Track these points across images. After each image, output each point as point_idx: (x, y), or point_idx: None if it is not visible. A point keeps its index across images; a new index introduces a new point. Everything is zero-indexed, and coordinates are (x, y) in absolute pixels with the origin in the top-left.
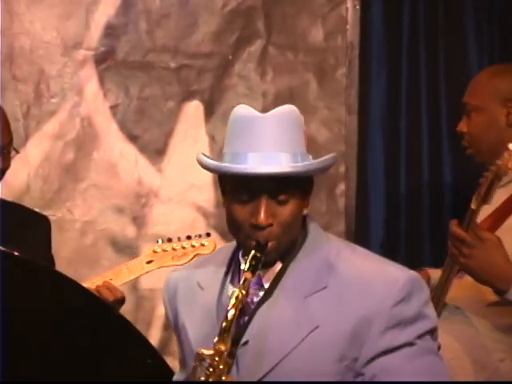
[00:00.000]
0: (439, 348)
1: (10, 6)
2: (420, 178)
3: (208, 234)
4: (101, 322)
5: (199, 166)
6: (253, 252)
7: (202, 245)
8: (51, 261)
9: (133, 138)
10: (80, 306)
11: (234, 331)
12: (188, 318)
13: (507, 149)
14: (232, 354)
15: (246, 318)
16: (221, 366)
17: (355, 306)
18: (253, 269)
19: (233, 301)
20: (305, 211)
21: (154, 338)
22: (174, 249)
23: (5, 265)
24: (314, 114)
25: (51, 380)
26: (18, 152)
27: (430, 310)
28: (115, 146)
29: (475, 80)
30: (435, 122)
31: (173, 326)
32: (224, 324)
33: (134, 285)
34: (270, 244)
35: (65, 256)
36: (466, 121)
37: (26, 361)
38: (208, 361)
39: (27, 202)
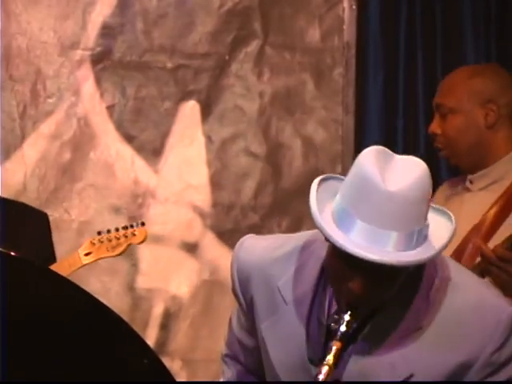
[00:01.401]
0: None
1: (7, 6)
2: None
3: (142, 224)
4: (97, 322)
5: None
6: (347, 318)
7: (133, 234)
8: (52, 257)
9: (129, 138)
10: (76, 306)
11: (324, 358)
12: (270, 333)
13: None
14: None
15: (343, 351)
16: None
17: (452, 351)
18: (343, 338)
19: (324, 370)
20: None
21: (151, 338)
22: (109, 240)
23: (1, 265)
24: (310, 114)
25: (49, 380)
26: None
27: None
28: (112, 146)
29: (450, 80)
30: None
31: (242, 304)
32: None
33: (131, 285)
34: (362, 309)
35: (61, 256)
36: (439, 122)
37: (24, 361)
38: None
39: (23, 202)
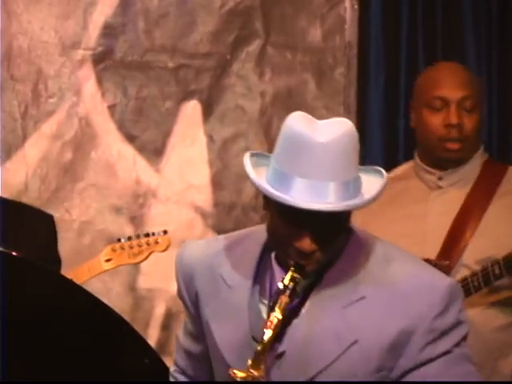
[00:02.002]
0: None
1: (8, 5)
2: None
3: (165, 232)
4: (98, 322)
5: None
6: (291, 274)
7: (156, 242)
8: (57, 259)
9: (131, 138)
10: (77, 306)
11: (266, 335)
12: (213, 316)
13: None
14: (271, 361)
15: (283, 325)
16: None
17: (394, 319)
18: (291, 292)
19: (271, 328)
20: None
21: (152, 338)
22: (130, 247)
23: (3, 265)
24: (312, 113)
25: (50, 380)
26: None
27: (465, 315)
28: (113, 146)
29: (465, 75)
30: None
31: (188, 305)
32: (259, 348)
33: (132, 285)
34: (309, 267)
35: (62, 256)
36: (461, 114)
37: (25, 361)
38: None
39: (25, 202)
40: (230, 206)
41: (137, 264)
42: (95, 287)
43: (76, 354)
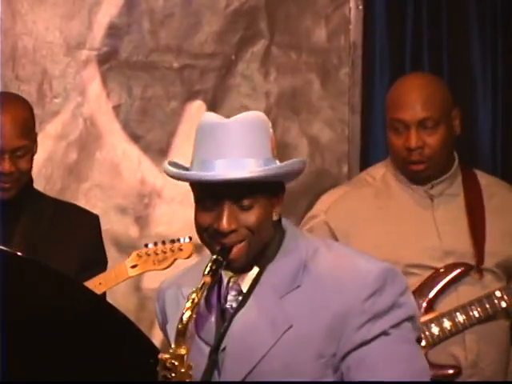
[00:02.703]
0: (420, 339)
1: (13, 6)
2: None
3: (190, 238)
4: (103, 321)
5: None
6: (214, 256)
7: (180, 249)
8: (102, 261)
9: (136, 138)
10: (82, 306)
11: (215, 338)
12: (171, 324)
13: None
14: (214, 361)
15: (225, 325)
16: (182, 370)
17: (328, 303)
18: (212, 273)
19: (188, 304)
20: (275, 216)
21: (157, 338)
22: (156, 253)
23: (5, 264)
24: (317, 113)
25: (52, 380)
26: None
27: (407, 299)
28: (118, 146)
29: (424, 92)
30: None
31: (164, 335)
32: (179, 326)
33: (138, 285)
34: (235, 249)
35: None
36: (421, 135)
37: (27, 361)
38: (168, 365)
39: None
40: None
41: (161, 270)
42: None
43: (80, 354)
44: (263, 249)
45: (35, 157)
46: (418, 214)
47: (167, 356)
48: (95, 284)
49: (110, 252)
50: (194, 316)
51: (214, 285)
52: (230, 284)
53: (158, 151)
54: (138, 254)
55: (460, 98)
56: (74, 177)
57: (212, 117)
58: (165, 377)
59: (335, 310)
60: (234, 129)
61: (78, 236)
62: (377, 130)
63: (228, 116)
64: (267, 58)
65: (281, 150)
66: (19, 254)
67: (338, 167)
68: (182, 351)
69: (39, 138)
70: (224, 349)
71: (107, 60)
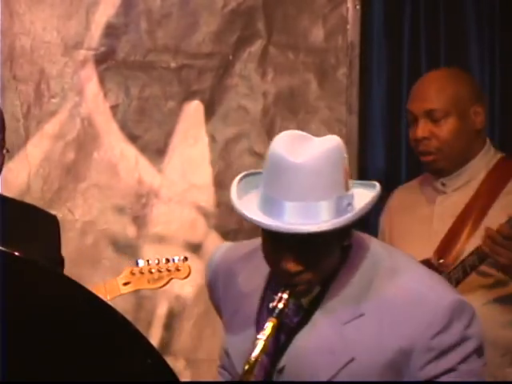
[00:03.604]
0: (485, 363)
1: (10, 6)
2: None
3: (185, 259)
4: (101, 321)
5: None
6: (280, 295)
7: (177, 269)
8: (61, 261)
9: (133, 138)
10: (80, 305)
11: (273, 351)
12: (228, 323)
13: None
14: (269, 377)
15: (284, 339)
16: None
17: (392, 338)
18: (278, 314)
19: (257, 350)
20: (345, 243)
21: (155, 337)
22: (150, 272)
23: (4, 265)
24: (314, 113)
25: (51, 380)
26: (8, 151)
27: (473, 330)
28: (116, 146)
29: (436, 85)
30: None
31: (216, 308)
32: (246, 367)
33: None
34: (300, 287)
35: (65, 256)
36: (428, 126)
37: (26, 361)
38: None
39: (28, 202)
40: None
41: (156, 289)
42: None
43: (77, 354)
44: (326, 275)
45: (31, 156)
46: (421, 210)
47: None
48: None
49: (108, 252)
50: (260, 360)
51: (267, 287)
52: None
53: (156, 151)
54: (131, 272)
55: None
56: (72, 177)
57: (284, 146)
58: None
59: (400, 344)
60: (307, 170)
61: (39, 237)
62: (374, 130)
63: (226, 115)
64: (265, 57)
65: None
66: (17, 254)
67: None
68: None
69: (37, 138)
70: (283, 368)
71: (105, 60)
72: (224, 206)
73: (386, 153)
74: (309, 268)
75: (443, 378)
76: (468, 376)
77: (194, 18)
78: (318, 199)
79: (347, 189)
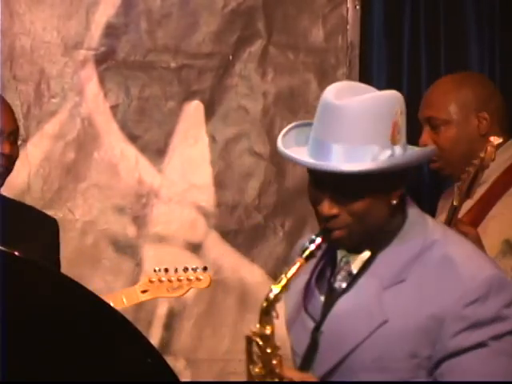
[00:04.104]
0: None
1: (10, 6)
2: (420, 178)
3: (205, 268)
4: (101, 321)
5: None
6: (313, 237)
7: (198, 279)
8: (57, 263)
9: (133, 138)
10: (80, 305)
11: (321, 316)
12: (287, 298)
13: (489, 141)
14: (314, 341)
15: (330, 303)
16: (268, 350)
17: (428, 303)
18: (307, 256)
19: (278, 285)
20: (394, 200)
21: (155, 337)
22: (169, 280)
23: (4, 265)
24: (314, 113)
25: (50, 380)
26: (23, 141)
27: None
28: (116, 146)
29: (437, 92)
30: None
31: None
32: (264, 305)
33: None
34: (336, 232)
35: (65, 256)
36: (430, 134)
37: (26, 361)
38: (255, 344)
39: (28, 202)
40: (233, 206)
41: (175, 298)
42: (98, 286)
43: (77, 354)
44: (377, 232)
45: (31, 156)
46: (444, 215)
47: (253, 332)
48: None
49: (108, 252)
50: (280, 296)
51: (322, 257)
52: (342, 264)
53: (156, 151)
54: (149, 280)
55: None
56: (72, 177)
57: (336, 92)
58: (254, 356)
59: (433, 311)
60: (354, 112)
61: (39, 238)
62: None
63: (226, 115)
64: (265, 57)
65: None
66: (17, 253)
67: None
68: (267, 331)
69: (37, 138)
70: (322, 331)
71: (105, 60)
72: (224, 206)
73: None
74: (343, 212)
75: (473, 352)
76: (499, 354)
77: (194, 17)
78: (363, 143)
79: (394, 142)
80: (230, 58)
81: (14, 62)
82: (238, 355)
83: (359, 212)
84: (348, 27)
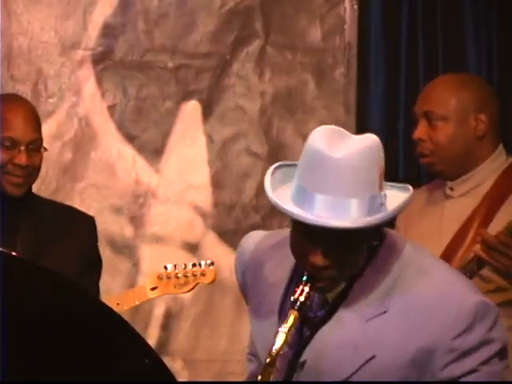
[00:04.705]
0: (508, 366)
1: (8, 6)
2: (418, 179)
3: (211, 263)
4: (98, 322)
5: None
6: (301, 287)
7: (203, 274)
8: (100, 260)
9: (131, 138)
10: (78, 305)
11: (296, 344)
12: (254, 311)
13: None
14: (292, 370)
15: (308, 333)
16: None
17: (415, 336)
18: (299, 307)
19: (279, 342)
20: (376, 242)
21: (152, 338)
22: (177, 277)
23: (4, 265)
24: (312, 113)
25: (49, 380)
26: (46, 150)
27: (497, 333)
28: (113, 146)
29: (439, 89)
30: None
31: (244, 295)
32: (268, 360)
33: (132, 285)
34: (322, 283)
35: None
36: (426, 128)
37: (25, 361)
38: None
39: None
40: (230, 206)
41: (182, 294)
42: None
43: (75, 355)
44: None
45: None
46: (430, 215)
47: None
48: (113, 304)
49: (105, 252)
50: (282, 352)
51: (292, 279)
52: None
53: (153, 151)
54: (158, 277)
55: None
56: (69, 177)
57: (323, 140)
58: None
59: (422, 343)
60: (344, 166)
61: (76, 237)
62: (372, 131)
63: (223, 115)
64: (262, 57)
65: (276, 150)
66: (16, 254)
67: None
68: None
69: None
70: (305, 362)
71: (102, 60)
72: (221, 206)
73: (384, 153)
74: (335, 264)
75: (464, 379)
76: (488, 377)
77: (192, 17)
78: (352, 196)
79: (381, 189)
80: (228, 57)
81: (12, 62)
82: (236, 356)
83: (347, 264)
84: (346, 27)
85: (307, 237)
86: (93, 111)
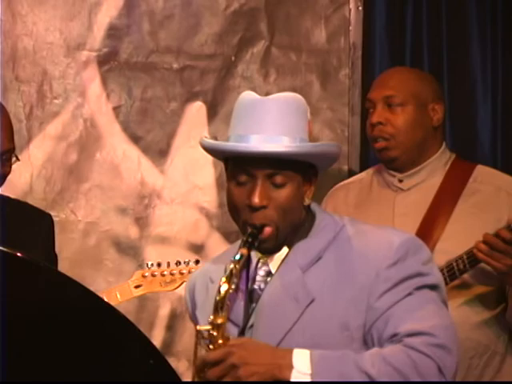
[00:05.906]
0: (439, 300)
1: (13, 7)
2: None
3: (197, 262)
4: (103, 322)
5: (202, 150)
6: (249, 230)
7: (190, 272)
8: (54, 259)
9: (136, 139)
10: (82, 306)
11: (244, 317)
12: (200, 310)
13: None
14: (243, 335)
15: (254, 304)
16: (220, 340)
17: (351, 275)
18: (249, 245)
19: (226, 276)
20: (307, 201)
21: (157, 338)
22: (162, 274)
23: (4, 264)
24: (316, 114)
25: (52, 380)
26: (18, 160)
27: (431, 269)
28: (118, 147)
29: (400, 76)
30: None
31: (192, 321)
32: (217, 298)
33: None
34: (266, 229)
35: (68, 257)
36: (385, 112)
37: (26, 361)
38: (206, 336)
39: (30, 203)
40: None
41: (168, 292)
42: (100, 287)
43: (79, 354)
44: (293, 231)
45: (34, 157)
46: (379, 208)
47: (207, 327)
48: None
49: (110, 253)
50: (232, 287)
51: (243, 268)
52: (259, 265)
53: (158, 152)
54: (142, 274)
55: (460, 99)
56: (74, 178)
57: (251, 94)
58: (204, 349)
59: (359, 281)
60: (273, 106)
61: (36, 235)
62: None
63: (228, 116)
64: (267, 59)
65: None
66: (18, 254)
67: (338, 168)
68: (220, 321)
69: (39, 139)
70: (251, 326)
71: (107, 61)
72: (226, 206)
73: None
74: (273, 205)
75: (402, 301)
76: (427, 300)
77: (197, 19)
78: (283, 134)
79: (310, 139)
80: (233, 59)
81: (17, 63)
82: None
83: (285, 202)
84: (350, 28)
85: (244, 173)
86: (98, 112)
